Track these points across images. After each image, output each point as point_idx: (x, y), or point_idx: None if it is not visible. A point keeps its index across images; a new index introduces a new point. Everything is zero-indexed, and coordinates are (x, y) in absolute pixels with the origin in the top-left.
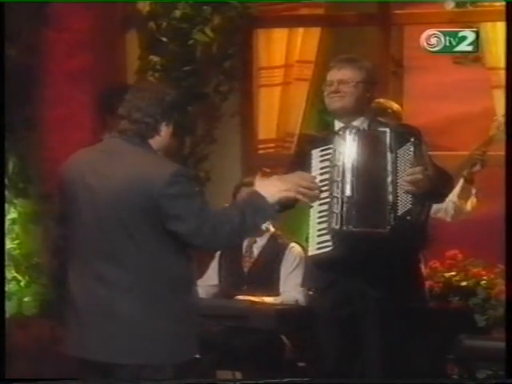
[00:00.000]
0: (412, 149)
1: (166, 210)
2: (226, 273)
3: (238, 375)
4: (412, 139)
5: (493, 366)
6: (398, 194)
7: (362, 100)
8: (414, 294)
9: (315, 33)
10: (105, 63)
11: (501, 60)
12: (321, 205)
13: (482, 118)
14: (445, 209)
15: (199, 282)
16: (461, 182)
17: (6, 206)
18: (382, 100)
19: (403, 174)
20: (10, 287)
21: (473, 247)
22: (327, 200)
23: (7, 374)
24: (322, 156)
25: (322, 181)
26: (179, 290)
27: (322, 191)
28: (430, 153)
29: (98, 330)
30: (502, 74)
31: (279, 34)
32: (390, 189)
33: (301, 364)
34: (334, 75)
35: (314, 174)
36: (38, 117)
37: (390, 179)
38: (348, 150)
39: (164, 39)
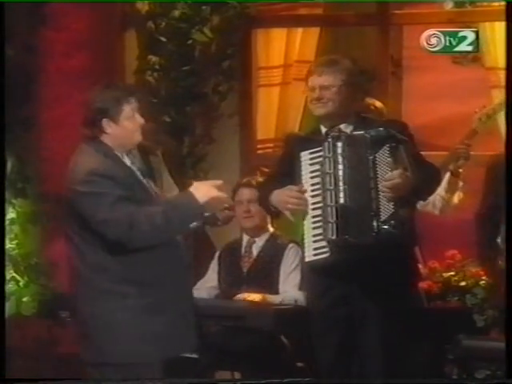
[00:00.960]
0: (389, 152)
1: (78, 206)
2: (225, 273)
3: (237, 375)
4: (389, 142)
5: (492, 366)
6: (380, 200)
7: (347, 103)
8: (410, 295)
9: (314, 33)
10: (103, 63)
11: (499, 60)
12: (314, 210)
13: None
14: (432, 202)
15: (200, 284)
16: (447, 175)
17: (5, 205)
18: (366, 98)
19: (382, 177)
20: (8, 287)
21: (472, 247)
22: (320, 205)
23: (6, 374)
24: (311, 159)
25: (313, 184)
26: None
27: (314, 196)
28: (429, 153)
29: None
30: (501, 73)
31: (278, 34)
32: (373, 195)
33: (300, 364)
34: (316, 81)
35: (304, 177)
36: (36, 117)
37: (371, 185)
38: (336, 156)
39: (163, 39)
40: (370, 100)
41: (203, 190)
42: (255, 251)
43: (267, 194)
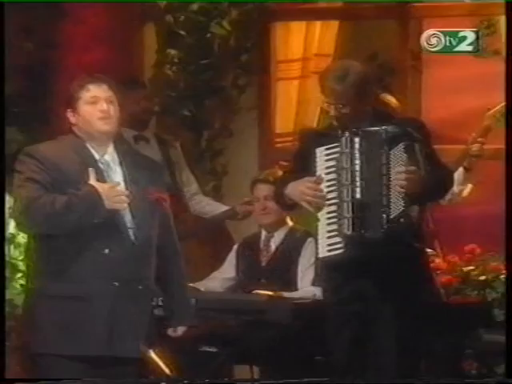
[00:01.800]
0: (403, 149)
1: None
2: (243, 266)
3: (255, 369)
4: (404, 140)
5: None
6: (391, 197)
7: (363, 103)
8: (427, 289)
9: (333, 26)
10: (122, 56)
11: None
12: (329, 206)
13: None
14: None
15: (215, 274)
16: (460, 169)
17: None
18: (382, 94)
19: (395, 175)
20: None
21: (491, 241)
22: (336, 201)
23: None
24: (327, 155)
25: (328, 181)
26: None
27: (329, 192)
28: (447, 146)
29: None
30: None
31: (297, 28)
32: (384, 191)
33: (318, 358)
34: (330, 89)
35: (318, 173)
36: (54, 110)
37: (383, 181)
38: (354, 151)
39: (182, 32)
40: (385, 96)
41: (105, 189)
42: (274, 245)
43: (282, 188)
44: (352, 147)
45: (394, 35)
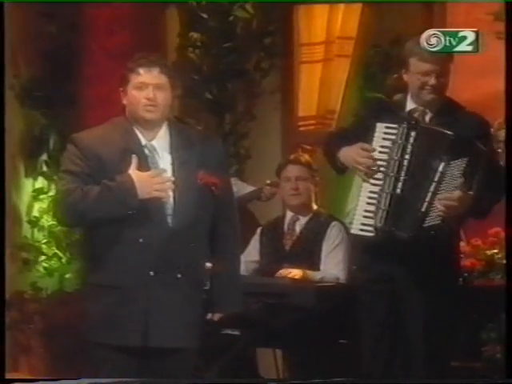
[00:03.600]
0: (464, 166)
1: None
2: (266, 249)
3: (278, 353)
4: (469, 154)
5: None
6: (433, 207)
7: (445, 91)
8: (451, 273)
9: (356, 9)
10: (145, 40)
11: None
12: (373, 185)
13: None
14: None
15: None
16: None
17: (47, 182)
18: None
19: (445, 191)
20: (51, 264)
21: None
22: (380, 183)
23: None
24: (385, 133)
25: (379, 160)
26: None
27: (376, 171)
28: None
29: None
30: None
31: (320, 10)
32: (427, 198)
33: (342, 341)
34: (430, 68)
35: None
36: (78, 94)
37: (430, 188)
38: (407, 145)
39: (204, 16)
40: None
41: (144, 178)
42: (298, 228)
43: (335, 149)
44: (407, 140)
45: (417, 18)
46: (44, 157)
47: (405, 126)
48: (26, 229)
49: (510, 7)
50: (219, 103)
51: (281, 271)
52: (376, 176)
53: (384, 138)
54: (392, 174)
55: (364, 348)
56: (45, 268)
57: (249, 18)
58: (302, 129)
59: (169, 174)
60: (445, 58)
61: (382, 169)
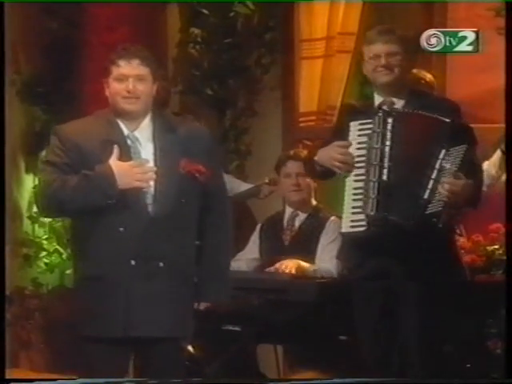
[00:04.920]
0: (464, 152)
1: None
2: (266, 245)
3: (279, 349)
4: (469, 141)
5: None
6: (435, 194)
7: (406, 72)
8: (450, 269)
9: (357, 5)
10: (146, 36)
11: None
12: (356, 181)
13: None
14: None
15: (240, 255)
16: (498, 153)
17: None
18: (414, 70)
19: (447, 178)
20: (52, 259)
21: None
22: (363, 178)
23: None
24: (360, 130)
25: (358, 156)
26: None
27: (357, 167)
28: (472, 125)
29: None
30: None
31: (321, 6)
32: (429, 185)
33: (342, 337)
34: (380, 48)
35: (350, 147)
36: (79, 90)
37: (432, 175)
38: (386, 132)
39: (205, 11)
40: (419, 72)
41: (124, 168)
42: (297, 224)
43: (311, 156)
44: (385, 127)
45: (418, 14)
46: (44, 153)
47: (380, 114)
48: (27, 225)
49: (510, 6)
50: (220, 99)
51: (276, 265)
52: (357, 171)
53: (360, 135)
54: (376, 163)
55: (362, 343)
56: (45, 264)
57: (249, 14)
58: (302, 124)
59: (151, 163)
60: (394, 39)
61: (362, 162)
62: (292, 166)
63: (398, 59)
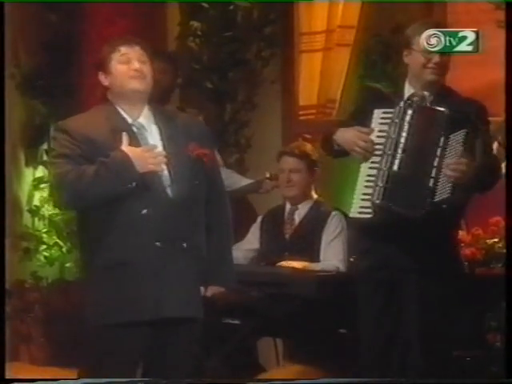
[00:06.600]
0: (464, 137)
1: None
2: (266, 238)
3: (279, 342)
4: (466, 127)
5: None
6: (440, 181)
7: (448, 72)
8: (452, 262)
9: None
10: (145, 29)
11: None
12: (370, 169)
13: None
14: None
15: (237, 245)
16: (495, 145)
17: (48, 171)
18: None
19: (449, 160)
20: (52, 253)
21: None
22: (377, 166)
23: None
24: (382, 118)
25: (377, 144)
26: None
27: (375, 155)
28: None
29: None
30: None
31: None
32: (434, 174)
33: (342, 331)
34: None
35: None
36: (78, 83)
37: (434, 163)
38: (403, 123)
39: (205, 5)
40: None
41: (137, 153)
42: (298, 218)
43: (331, 132)
44: (403, 118)
45: (418, 7)
46: (44, 146)
47: (401, 105)
48: (27, 218)
49: (510, 7)
50: (220, 92)
51: (281, 261)
52: (373, 159)
53: (381, 123)
54: (390, 153)
55: (364, 338)
56: (45, 257)
57: (249, 7)
58: (302, 118)
59: (160, 148)
60: None
61: (379, 151)
62: (285, 162)
63: (448, 60)
